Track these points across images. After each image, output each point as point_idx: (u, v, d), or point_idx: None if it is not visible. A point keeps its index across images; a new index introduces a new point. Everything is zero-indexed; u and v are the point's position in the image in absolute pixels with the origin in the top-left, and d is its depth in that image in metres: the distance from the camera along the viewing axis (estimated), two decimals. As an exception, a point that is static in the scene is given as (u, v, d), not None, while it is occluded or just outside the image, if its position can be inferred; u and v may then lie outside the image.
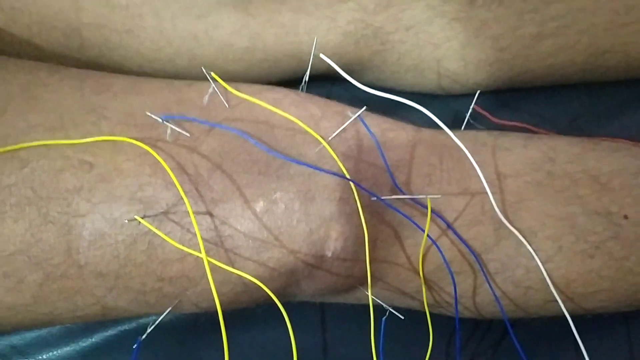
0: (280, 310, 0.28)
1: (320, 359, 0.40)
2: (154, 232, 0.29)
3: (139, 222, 0.28)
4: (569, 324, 0.34)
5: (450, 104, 0.48)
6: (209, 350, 0.40)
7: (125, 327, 0.40)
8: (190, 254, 0.30)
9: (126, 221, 0.29)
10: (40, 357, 0.39)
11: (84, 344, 0.40)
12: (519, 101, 0.48)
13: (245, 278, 0.28)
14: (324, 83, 0.45)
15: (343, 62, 0.43)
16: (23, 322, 0.32)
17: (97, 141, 0.30)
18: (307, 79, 0.37)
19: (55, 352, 0.39)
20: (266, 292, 0.29)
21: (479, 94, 0.46)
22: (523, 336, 0.39)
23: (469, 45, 0.43)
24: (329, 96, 0.42)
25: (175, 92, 0.34)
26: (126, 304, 0.32)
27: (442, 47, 0.43)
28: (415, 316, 0.37)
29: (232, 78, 0.42)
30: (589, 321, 0.39)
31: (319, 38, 0.41)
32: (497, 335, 0.41)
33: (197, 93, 0.35)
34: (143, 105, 0.33)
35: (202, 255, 0.27)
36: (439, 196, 0.33)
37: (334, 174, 0.30)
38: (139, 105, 0.33)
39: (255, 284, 0.28)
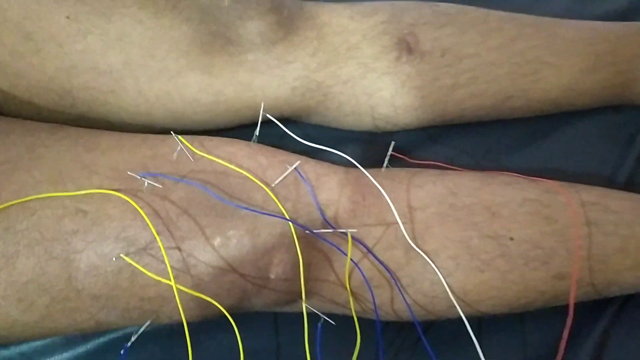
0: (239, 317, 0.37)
1: (274, 357, 0.49)
2: (133, 264, 0.38)
3: (124, 259, 0.37)
4: (471, 323, 0.43)
5: (386, 139, 0.56)
6: (182, 350, 0.48)
7: (114, 335, 0.48)
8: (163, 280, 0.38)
9: (114, 259, 0.37)
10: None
11: (80, 350, 0.48)
12: (442, 136, 0.57)
13: (205, 299, 0.37)
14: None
15: (293, 110, 0.51)
16: (33, 335, 0.41)
17: (89, 193, 0.39)
18: (257, 134, 0.46)
19: (56, 357, 0.48)
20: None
21: (408, 130, 0.55)
22: (438, 333, 0.48)
23: (397, 95, 0.51)
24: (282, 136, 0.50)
25: (151, 148, 0.43)
26: (114, 318, 0.41)
27: (375, 96, 0.51)
28: (348, 321, 0.45)
29: (199, 126, 0.51)
30: (490, 320, 0.48)
31: (270, 93, 0.49)
32: (416, 334, 0.50)
33: (168, 148, 0.43)
34: (125, 161, 0.41)
35: (172, 283, 0.35)
36: (356, 230, 0.42)
37: (275, 215, 0.39)
38: (122, 161, 0.41)
39: (213, 302, 0.37)
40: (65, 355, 0.48)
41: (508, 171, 0.51)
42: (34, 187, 0.39)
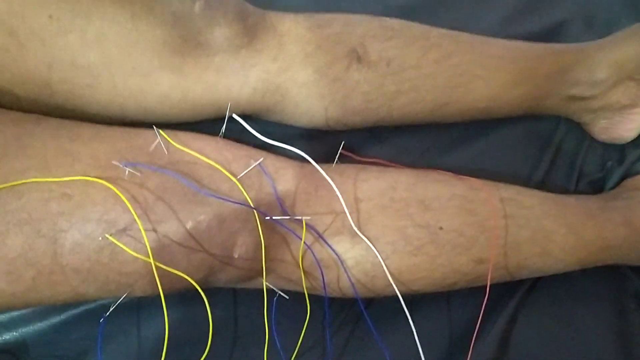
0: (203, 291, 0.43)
1: (233, 328, 0.55)
2: (117, 243, 0.43)
3: (108, 238, 0.42)
4: (405, 301, 0.50)
5: (335, 137, 0.63)
6: (149, 322, 0.54)
7: (87, 307, 0.53)
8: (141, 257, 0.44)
9: (100, 239, 0.42)
10: (19, 331, 0.52)
11: (54, 320, 0.53)
12: (384, 136, 0.64)
13: (177, 274, 0.43)
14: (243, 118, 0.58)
15: (254, 108, 0.56)
16: (18, 304, 0.45)
17: (74, 179, 0.44)
18: (223, 131, 0.52)
19: (32, 326, 0.52)
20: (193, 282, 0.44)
21: (357, 129, 0.61)
22: (378, 309, 0.55)
23: (346, 98, 0.57)
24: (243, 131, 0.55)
25: (128, 140, 0.48)
26: (93, 291, 0.45)
27: (327, 98, 0.56)
28: (301, 296, 0.52)
29: (167, 119, 0.55)
30: (420, 298, 0.55)
31: (234, 93, 0.54)
32: (359, 309, 0.57)
33: (143, 140, 0.48)
34: (105, 151, 0.46)
35: (151, 260, 0.41)
36: (309, 217, 0.49)
37: (240, 203, 0.45)
38: (103, 151, 0.46)
39: (185, 277, 0.43)
40: (40, 324, 0.52)
41: (441, 169, 0.58)
42: (22, 172, 0.43)
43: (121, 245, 0.42)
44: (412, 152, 0.64)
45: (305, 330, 0.51)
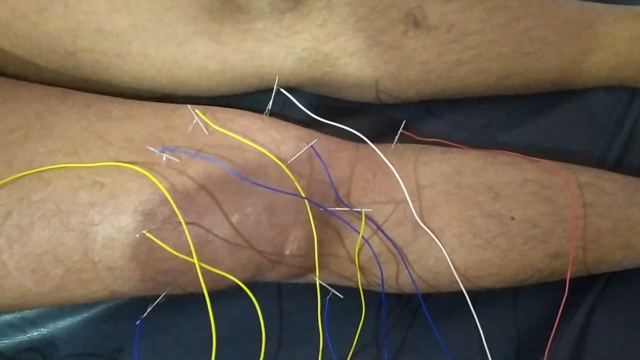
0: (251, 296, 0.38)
1: (277, 326, 0.50)
2: (154, 236, 0.38)
3: (147, 235, 0.37)
4: (468, 295, 0.45)
5: (387, 111, 0.57)
6: (189, 318, 0.49)
7: (120, 300, 0.49)
8: (181, 253, 0.39)
9: (137, 236, 0.37)
10: (47, 327, 0.48)
11: (85, 315, 0.48)
12: (441, 110, 0.58)
13: (225, 276, 0.38)
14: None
15: (299, 80, 0.51)
16: (46, 304, 0.41)
17: (106, 165, 0.39)
18: (270, 107, 0.46)
19: (59, 323, 0.48)
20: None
21: (410, 103, 0.56)
22: (435, 304, 0.50)
23: (402, 68, 0.51)
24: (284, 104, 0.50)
25: (164, 119, 0.42)
26: (128, 289, 0.41)
27: (380, 69, 0.51)
28: (351, 291, 0.47)
29: (203, 92, 0.50)
30: (484, 292, 0.50)
31: (278, 63, 0.49)
32: (414, 304, 0.52)
33: (181, 120, 0.43)
34: (139, 132, 0.41)
35: (195, 260, 0.36)
36: (371, 210, 0.43)
37: (292, 194, 0.39)
38: (136, 132, 0.41)
39: (232, 278, 0.38)
40: (70, 320, 0.48)
41: (504, 148, 0.52)
42: (47, 156, 0.38)
43: (160, 243, 0.37)
44: (471, 129, 0.58)
45: (360, 331, 0.46)
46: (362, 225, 0.42)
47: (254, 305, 0.39)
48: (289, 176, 0.41)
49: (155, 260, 0.39)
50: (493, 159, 0.49)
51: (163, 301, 0.41)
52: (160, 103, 0.45)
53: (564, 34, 0.54)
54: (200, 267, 0.38)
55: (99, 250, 0.38)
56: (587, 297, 0.52)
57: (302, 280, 0.46)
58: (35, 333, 0.48)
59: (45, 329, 0.48)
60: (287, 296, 0.51)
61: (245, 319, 0.49)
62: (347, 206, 0.43)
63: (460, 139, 0.55)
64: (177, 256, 0.38)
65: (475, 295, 0.51)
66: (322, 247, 0.43)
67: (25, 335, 0.48)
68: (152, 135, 0.41)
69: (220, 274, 0.38)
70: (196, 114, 0.41)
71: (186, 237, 0.38)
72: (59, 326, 0.48)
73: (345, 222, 0.42)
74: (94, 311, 0.48)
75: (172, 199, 0.38)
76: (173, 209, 0.38)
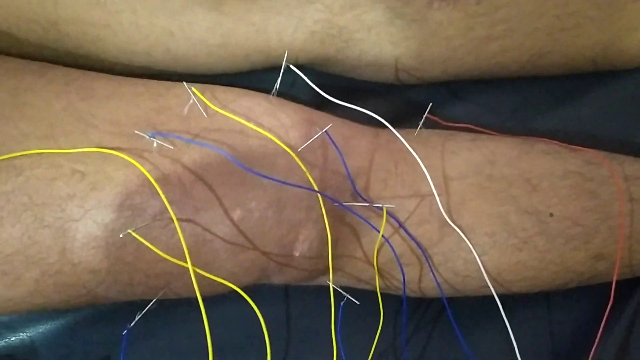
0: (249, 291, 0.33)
1: (284, 331, 0.45)
2: (143, 235, 0.33)
3: (132, 234, 0.32)
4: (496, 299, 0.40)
5: (407, 93, 0.52)
6: (184, 322, 0.44)
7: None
8: (174, 254, 0.33)
9: (121, 235, 0.32)
10: (27, 332, 0.43)
11: (68, 320, 0.43)
12: (467, 92, 0.52)
13: (220, 282, 0.33)
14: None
15: (310, 57, 0.46)
16: (20, 310, 0.36)
17: (88, 152, 0.33)
18: (277, 87, 0.40)
19: (40, 328, 0.43)
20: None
21: (432, 84, 0.50)
22: (458, 309, 0.45)
23: (425, 45, 0.46)
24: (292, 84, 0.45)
25: (156, 99, 0.37)
26: (114, 294, 0.36)
27: (401, 45, 0.46)
28: (364, 294, 0.42)
29: (202, 69, 0.45)
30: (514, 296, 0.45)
31: (286, 37, 0.44)
32: (436, 309, 0.47)
33: (176, 100, 0.37)
34: (127, 114, 0.35)
35: (189, 265, 0.31)
36: (394, 205, 0.38)
37: (304, 187, 0.34)
38: (124, 114, 0.35)
39: (231, 286, 0.33)
40: (52, 325, 0.43)
41: (537, 135, 0.47)
42: (20, 141, 0.33)
43: (148, 245, 0.32)
44: (499, 113, 0.52)
45: (378, 338, 0.41)
46: (383, 223, 0.37)
47: (259, 306, 0.34)
48: (299, 166, 0.35)
49: (145, 262, 0.34)
50: (529, 148, 0.43)
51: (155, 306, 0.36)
52: (153, 80, 0.40)
53: (606, 7, 0.48)
54: (196, 272, 0.33)
55: (79, 251, 0.33)
56: (630, 301, 0.46)
57: (311, 283, 0.41)
58: (13, 338, 0.43)
59: (25, 334, 0.43)
60: (294, 298, 0.46)
61: (248, 323, 0.44)
62: (366, 201, 0.37)
63: (487, 124, 0.49)
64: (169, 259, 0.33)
65: (505, 298, 0.46)
66: (336, 248, 0.38)
67: (2, 340, 0.43)
68: (142, 117, 0.36)
69: (217, 280, 0.33)
70: (193, 93, 0.35)
71: (180, 237, 0.32)
72: (40, 331, 0.43)
73: (364, 219, 0.37)
74: (78, 315, 0.43)
75: (164, 191, 0.33)
76: (165, 203, 0.32)
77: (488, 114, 0.52)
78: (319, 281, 0.41)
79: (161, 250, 0.33)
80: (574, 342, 0.47)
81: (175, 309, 0.43)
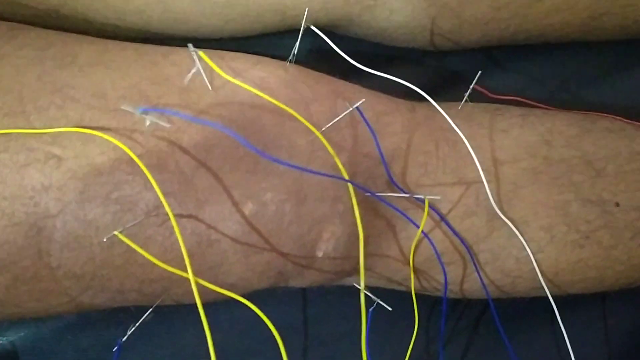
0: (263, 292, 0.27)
1: (301, 334, 0.40)
2: (134, 234, 0.27)
3: (118, 236, 0.26)
4: (545, 299, 0.35)
5: (442, 61, 0.46)
6: (187, 324, 0.39)
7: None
8: (173, 257, 0.28)
9: (105, 240, 0.26)
10: (8, 335, 0.38)
11: (55, 323, 0.38)
12: (509, 60, 0.47)
13: (233, 297, 0.27)
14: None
15: (331, 17, 0.40)
16: (-8, 319, 0.30)
17: (66, 132, 0.27)
18: (295, 52, 0.34)
19: (22, 331, 0.38)
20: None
21: (470, 51, 0.44)
22: (502, 310, 0.40)
23: (466, 3, 0.40)
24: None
25: (150, 67, 0.31)
26: (103, 301, 0.30)
27: (437, 4, 0.39)
28: (391, 294, 0.36)
29: (205, 32, 0.39)
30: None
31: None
32: (476, 311, 0.42)
33: (174, 68, 0.31)
34: (115, 85, 0.29)
35: (190, 275, 0.25)
36: (439, 197, 0.32)
37: (330, 175, 0.28)
38: (110, 84, 0.29)
39: (238, 298, 0.27)
40: (36, 328, 0.38)
41: (590, 109, 0.41)
42: None
43: (137, 249, 0.26)
44: (547, 84, 0.47)
45: (413, 345, 0.35)
46: (424, 217, 0.30)
47: (270, 310, 0.29)
48: (323, 148, 0.29)
49: (138, 266, 0.28)
50: (591, 125, 0.37)
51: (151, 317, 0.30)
52: (148, 45, 0.34)
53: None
54: (197, 270, 0.27)
55: (57, 253, 0.27)
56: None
57: (334, 284, 0.35)
58: (-8, 343, 0.38)
59: (5, 338, 0.38)
60: (313, 300, 0.41)
61: (261, 327, 0.38)
62: (403, 191, 0.31)
63: (532, 96, 0.44)
64: (166, 260, 0.27)
65: (555, 298, 0.40)
66: (366, 245, 0.32)
67: (-21, 345, 0.38)
68: (133, 89, 0.29)
69: (219, 291, 0.27)
70: (199, 57, 0.29)
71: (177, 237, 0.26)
72: (22, 335, 0.38)
73: (401, 212, 0.31)
74: (66, 319, 0.38)
75: (160, 181, 0.27)
76: (159, 196, 0.26)
77: (534, 86, 0.47)
78: (343, 281, 0.35)
79: (158, 253, 0.27)
80: (632, 345, 0.42)
81: (177, 311, 0.38)
